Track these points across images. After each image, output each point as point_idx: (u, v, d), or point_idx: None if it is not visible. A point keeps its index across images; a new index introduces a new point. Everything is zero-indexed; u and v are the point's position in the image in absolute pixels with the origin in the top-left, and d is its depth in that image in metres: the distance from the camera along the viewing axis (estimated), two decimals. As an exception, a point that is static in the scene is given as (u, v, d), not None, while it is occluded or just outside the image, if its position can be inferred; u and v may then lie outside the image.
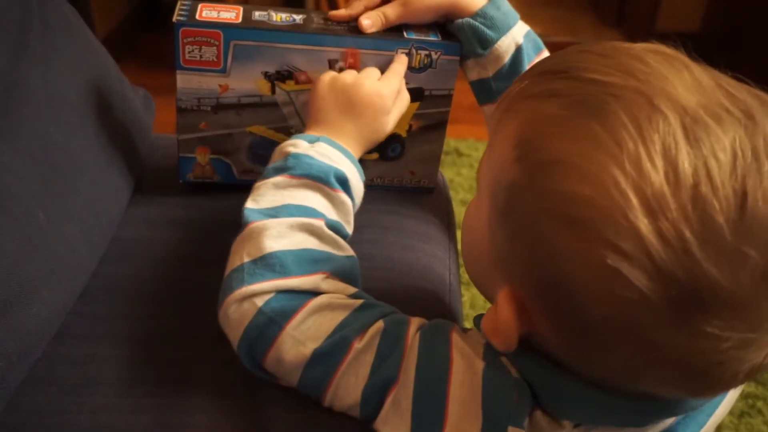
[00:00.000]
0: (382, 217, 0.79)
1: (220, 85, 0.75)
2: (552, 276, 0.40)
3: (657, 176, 0.36)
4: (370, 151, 0.82)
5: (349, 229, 0.64)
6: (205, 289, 0.68)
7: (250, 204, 0.61)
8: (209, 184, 0.82)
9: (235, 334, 0.56)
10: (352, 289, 0.58)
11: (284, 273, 0.55)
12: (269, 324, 0.54)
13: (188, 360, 0.63)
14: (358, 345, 0.52)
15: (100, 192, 0.76)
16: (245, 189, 0.79)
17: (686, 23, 2.54)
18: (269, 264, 0.56)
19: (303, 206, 0.60)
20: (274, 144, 0.81)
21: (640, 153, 0.36)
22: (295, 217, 0.58)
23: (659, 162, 0.36)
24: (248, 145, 0.80)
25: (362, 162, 0.82)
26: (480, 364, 0.48)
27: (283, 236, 0.57)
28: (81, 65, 0.79)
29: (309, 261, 0.57)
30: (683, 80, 0.39)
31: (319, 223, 0.59)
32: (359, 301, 0.56)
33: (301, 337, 0.53)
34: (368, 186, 0.83)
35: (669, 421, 0.48)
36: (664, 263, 0.35)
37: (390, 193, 0.82)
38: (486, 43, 0.73)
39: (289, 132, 0.79)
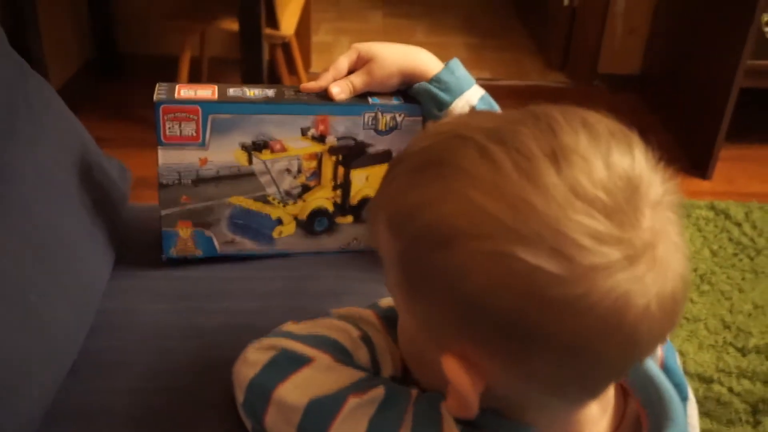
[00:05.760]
0: (358, 285, 0.82)
1: (199, 159, 0.78)
2: (463, 297, 0.43)
3: (485, 171, 0.42)
4: (344, 215, 0.86)
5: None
6: (191, 363, 0.70)
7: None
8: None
9: (247, 376, 0.59)
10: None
11: (298, 339, 0.60)
12: (280, 370, 0.58)
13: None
14: (354, 399, 0.54)
15: (86, 266, 0.78)
16: (226, 260, 0.83)
17: (626, 66, 2.67)
18: (284, 332, 0.62)
19: None
20: (252, 213, 0.86)
21: (463, 165, 0.43)
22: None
23: (484, 165, 0.42)
24: (228, 215, 0.83)
25: (338, 226, 0.86)
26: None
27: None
28: (63, 142, 0.82)
29: (321, 342, 0.60)
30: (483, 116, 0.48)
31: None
32: (362, 372, 0.58)
33: (304, 386, 0.56)
34: (344, 251, 0.87)
35: None
36: (521, 225, 0.41)
37: (363, 257, 0.85)
38: (441, 105, 0.79)
39: (266, 200, 0.83)
